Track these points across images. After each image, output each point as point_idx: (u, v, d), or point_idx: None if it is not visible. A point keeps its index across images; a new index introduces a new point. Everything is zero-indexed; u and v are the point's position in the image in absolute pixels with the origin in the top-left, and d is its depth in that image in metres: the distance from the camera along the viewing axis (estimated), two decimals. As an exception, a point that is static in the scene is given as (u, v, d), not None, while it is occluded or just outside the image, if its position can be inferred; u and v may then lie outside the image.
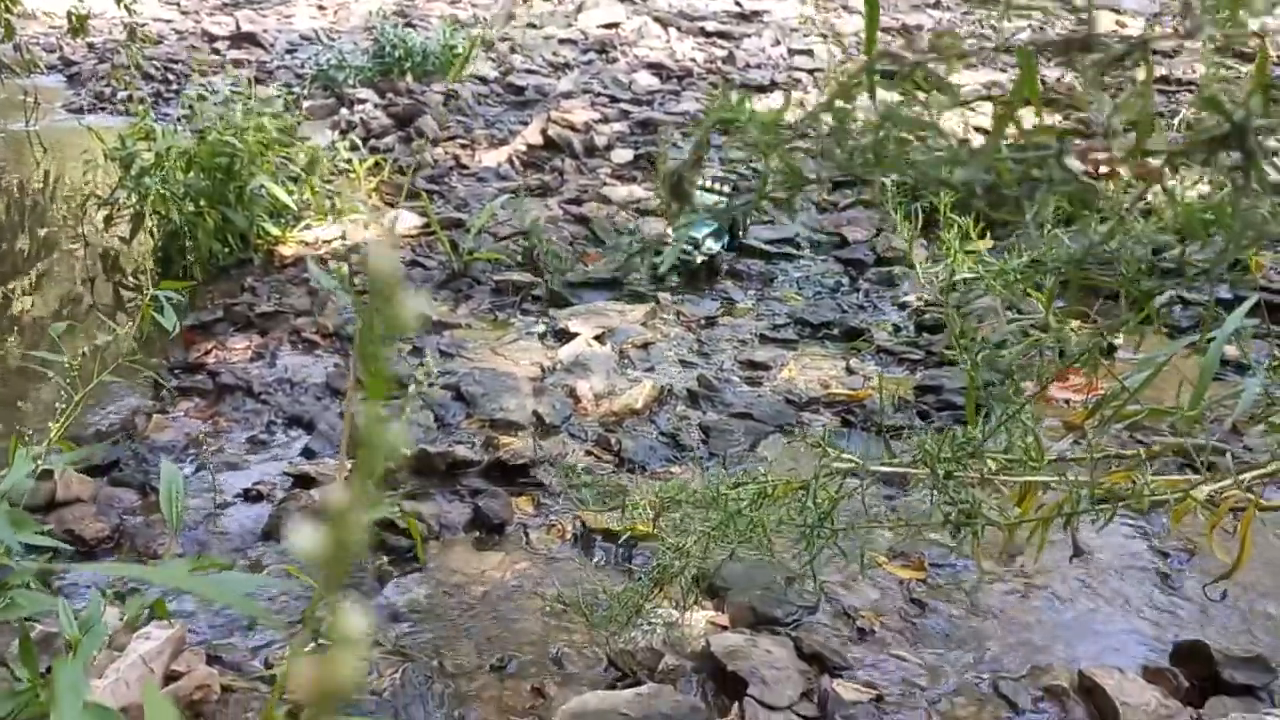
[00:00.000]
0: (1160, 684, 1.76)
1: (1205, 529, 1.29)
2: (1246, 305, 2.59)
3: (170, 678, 1.67)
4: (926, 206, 4.57)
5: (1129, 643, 1.93)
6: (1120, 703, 1.69)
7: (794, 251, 3.78)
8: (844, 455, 1.51)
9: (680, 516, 1.93)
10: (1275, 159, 0.76)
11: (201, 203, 3.64)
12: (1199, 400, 2.61)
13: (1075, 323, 3.29)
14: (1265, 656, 1.80)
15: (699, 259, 3.48)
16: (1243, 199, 0.76)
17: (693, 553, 1.73)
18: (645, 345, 3.05)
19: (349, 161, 4.29)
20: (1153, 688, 1.75)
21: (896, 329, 3.28)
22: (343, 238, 3.90)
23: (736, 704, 1.68)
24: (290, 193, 3.94)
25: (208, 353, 3.12)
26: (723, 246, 3.62)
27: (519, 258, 3.60)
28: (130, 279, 3.73)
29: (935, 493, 1.39)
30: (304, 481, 2.35)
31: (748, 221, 3.77)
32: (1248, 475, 1.32)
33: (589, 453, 2.53)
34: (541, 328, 3.21)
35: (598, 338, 3.08)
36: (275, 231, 3.89)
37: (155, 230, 3.73)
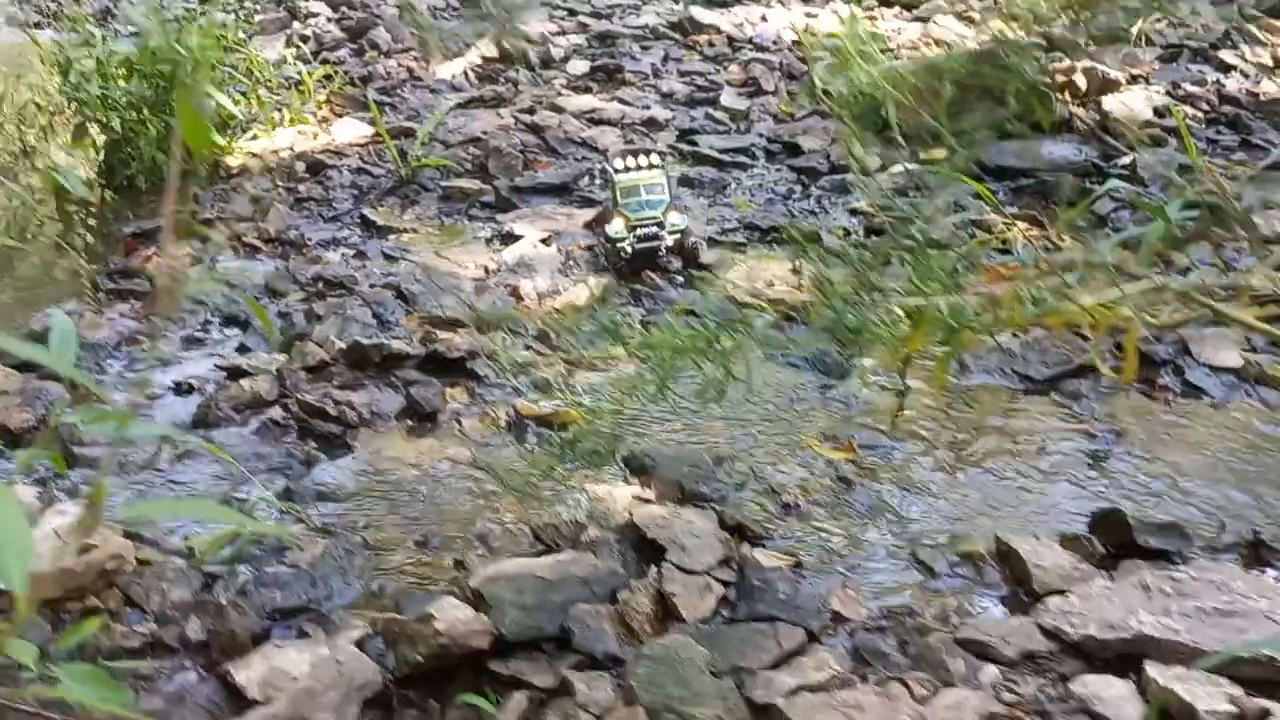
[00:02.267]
0: (1076, 550, 1.78)
1: (1093, 348, 1.29)
2: (1178, 204, 2.58)
3: (85, 550, 1.66)
4: (883, 117, 4.50)
5: (1052, 518, 1.95)
6: (1034, 565, 1.71)
7: (748, 160, 3.75)
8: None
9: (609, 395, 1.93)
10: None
11: (144, 111, 3.56)
12: (1130, 296, 2.60)
13: (1022, 225, 3.29)
14: (1180, 524, 1.82)
15: (667, 241, 2.87)
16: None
17: (609, 414, 1.72)
18: (592, 248, 3.02)
19: (299, 73, 4.20)
20: (1068, 553, 1.77)
21: (846, 232, 3.26)
22: (290, 149, 3.84)
23: (654, 568, 1.68)
24: (237, 103, 3.87)
25: (148, 259, 3.08)
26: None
27: (468, 165, 3.55)
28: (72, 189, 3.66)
29: (830, 316, 1.38)
30: (235, 374, 2.33)
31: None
32: (1133, 288, 1.31)
33: (528, 347, 2.52)
34: (488, 232, 3.18)
35: (544, 240, 3.05)
36: (221, 142, 3.82)
37: (97, 140, 3.65)
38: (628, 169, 2.88)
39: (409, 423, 2.20)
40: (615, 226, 2.84)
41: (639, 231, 2.83)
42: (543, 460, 1.88)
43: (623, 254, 2.82)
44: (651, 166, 2.90)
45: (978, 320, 1.29)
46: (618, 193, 2.85)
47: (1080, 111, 4.11)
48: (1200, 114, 4.10)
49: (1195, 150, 3.28)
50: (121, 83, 3.56)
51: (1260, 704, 1.38)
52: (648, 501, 1.89)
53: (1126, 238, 2.70)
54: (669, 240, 2.88)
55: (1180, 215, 2.21)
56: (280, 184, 3.55)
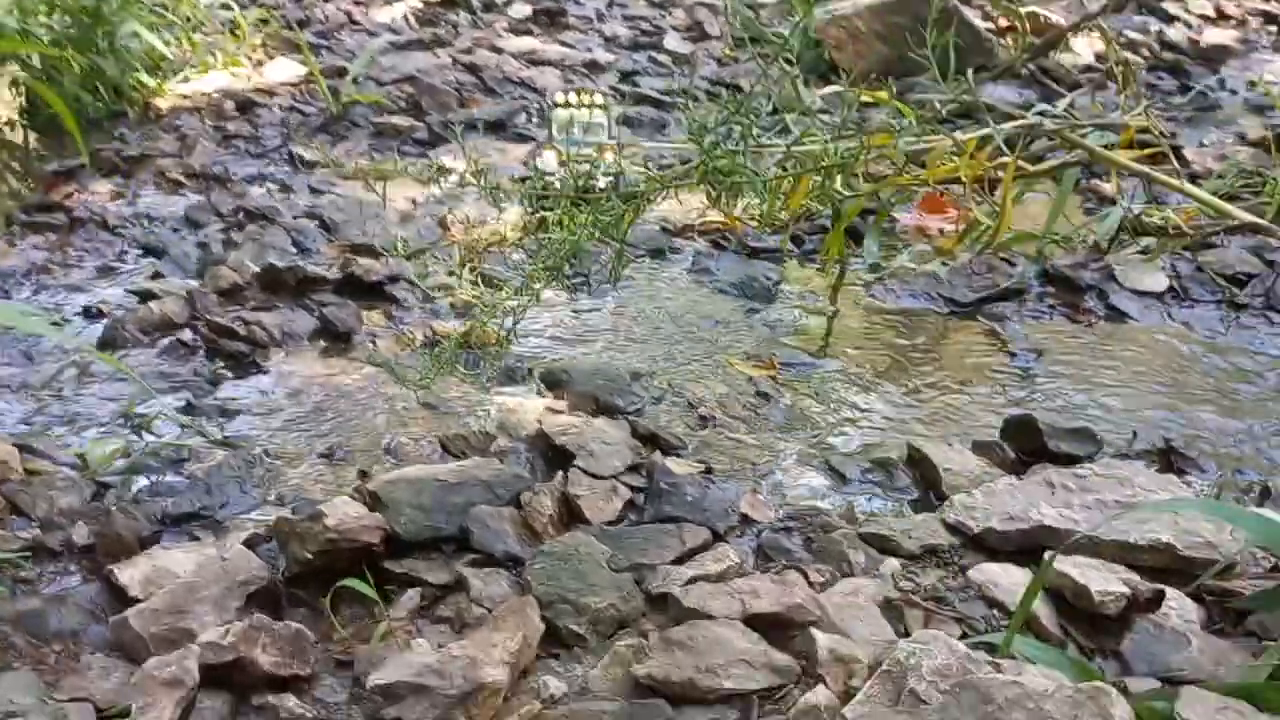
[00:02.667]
0: (987, 456, 1.77)
1: (966, 184, 1.27)
2: (1105, 145, 2.55)
3: (-30, 458, 1.61)
4: (827, 60, 4.45)
5: (968, 430, 1.94)
6: (944, 469, 1.70)
7: (688, 102, 3.70)
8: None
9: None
10: None
11: (67, 48, 3.45)
12: (1055, 217, 2.61)
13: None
14: (1091, 429, 1.81)
15: (599, 183, 2.61)
16: None
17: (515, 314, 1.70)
18: (524, 180, 2.97)
19: (234, 16, 4.10)
20: (979, 459, 1.76)
21: (784, 168, 3.23)
22: (221, 90, 3.75)
23: (561, 473, 1.65)
24: (169, 45, 3.77)
25: (68, 196, 2.99)
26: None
27: (402, 103, 3.48)
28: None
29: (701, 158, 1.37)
30: (146, 297, 2.26)
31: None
32: (1006, 125, 1.30)
33: (451, 273, 2.47)
34: (419, 167, 3.12)
35: (475, 174, 3.00)
36: (151, 83, 3.72)
37: (18, 78, 3.53)
38: (568, 105, 2.77)
39: (322, 343, 2.15)
40: (546, 160, 2.70)
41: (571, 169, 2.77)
42: (445, 361, 1.85)
43: (551, 190, 2.75)
44: (594, 106, 2.79)
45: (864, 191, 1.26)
46: (554, 127, 2.76)
47: (1024, 57, 4.11)
48: (1142, 60, 4.11)
49: (1131, 84, 3.28)
50: (42, 17, 3.46)
51: (1155, 586, 1.38)
52: (559, 413, 1.86)
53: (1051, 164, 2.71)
54: (602, 182, 2.84)
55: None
56: (208, 122, 3.46)
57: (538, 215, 2.28)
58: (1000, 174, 1.42)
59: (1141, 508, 1.42)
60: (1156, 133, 2.38)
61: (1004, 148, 1.31)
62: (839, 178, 1.43)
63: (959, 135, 1.32)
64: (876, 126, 1.57)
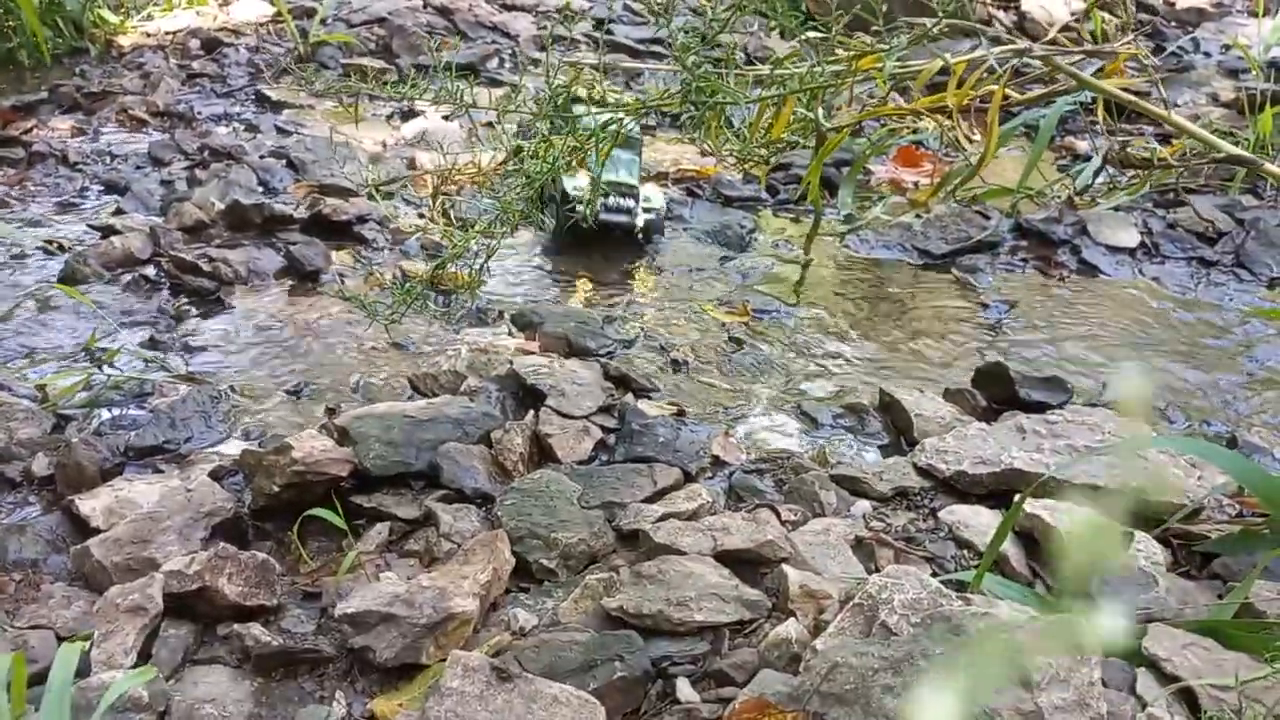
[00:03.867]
0: (958, 403, 1.78)
1: (953, 110, 1.26)
2: (1071, 97, 2.53)
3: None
4: (804, 10, 4.40)
5: (939, 377, 1.94)
6: (915, 415, 1.70)
7: (663, 50, 3.66)
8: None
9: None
10: None
11: (24, -20, 3.34)
12: (1030, 170, 2.60)
13: (937, 116, 3.24)
14: (1062, 378, 1.82)
15: (639, 220, 2.24)
16: None
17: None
18: (491, 124, 2.92)
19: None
20: (950, 405, 1.77)
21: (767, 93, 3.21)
22: (186, 29, 3.66)
23: (532, 412, 1.64)
24: (132, -21, 3.67)
25: (27, 131, 2.91)
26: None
27: (372, 44, 3.41)
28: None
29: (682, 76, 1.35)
30: (108, 232, 2.21)
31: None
32: (996, 50, 1.29)
33: (421, 215, 2.43)
34: (389, 109, 3.06)
35: (446, 117, 2.95)
36: (114, 20, 3.63)
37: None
38: (591, 99, 2.05)
39: (289, 282, 2.12)
40: (578, 182, 2.14)
41: (610, 200, 2.17)
42: (414, 295, 1.82)
43: (579, 218, 2.09)
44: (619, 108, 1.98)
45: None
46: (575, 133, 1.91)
47: (1000, 15, 4.09)
48: (1117, 20, 4.10)
49: (1122, 9, 3.27)
50: (-2, -53, 3.34)
51: (1125, 529, 1.39)
52: (531, 354, 1.83)
53: (1026, 119, 2.70)
54: (641, 220, 2.22)
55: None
56: (173, 60, 3.38)
57: (515, 148, 2.18)
58: (988, 104, 1.41)
59: (1120, 443, 1.42)
60: (1144, 61, 2.38)
61: (995, 66, 1.29)
62: (822, 107, 1.40)
63: (948, 56, 1.30)
64: (863, 50, 1.55)
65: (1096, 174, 2.63)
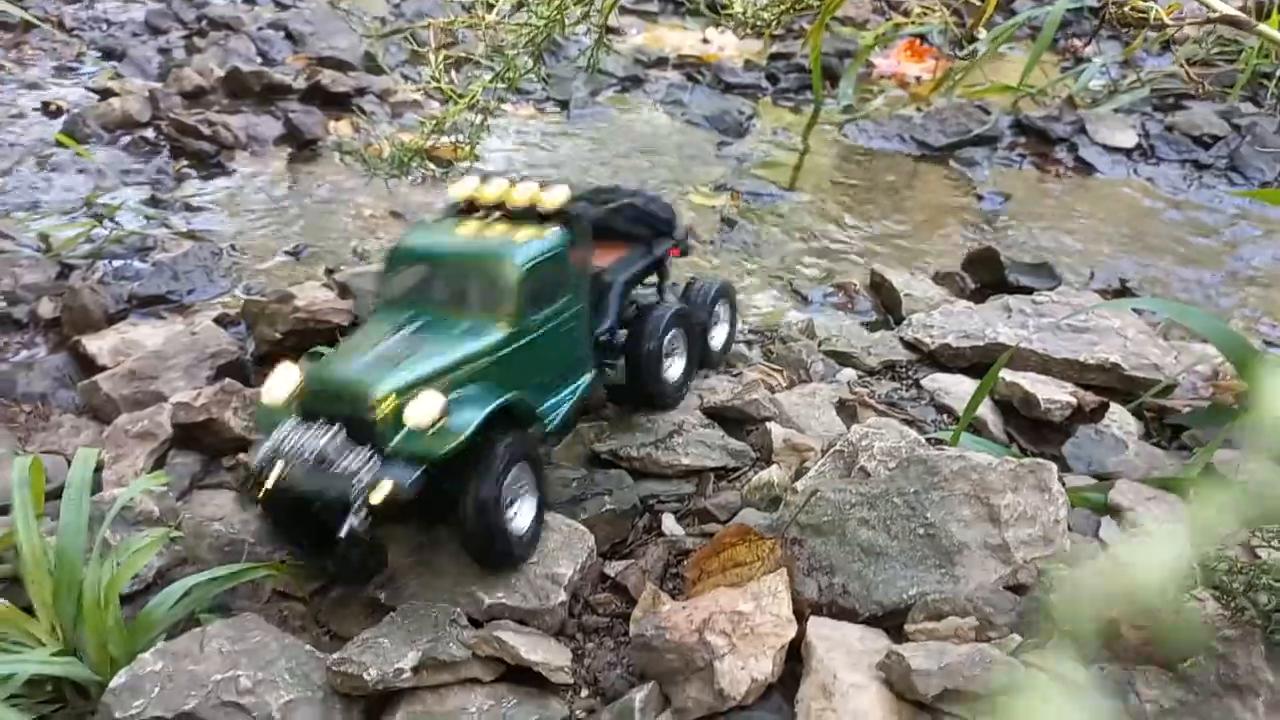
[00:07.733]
0: (948, 285, 1.81)
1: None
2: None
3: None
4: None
5: (931, 261, 1.97)
6: (904, 294, 1.73)
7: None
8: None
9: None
10: None
11: None
12: (1031, 66, 2.59)
13: (944, 12, 3.20)
14: (1050, 264, 1.85)
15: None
16: None
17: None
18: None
19: None
20: (940, 287, 1.80)
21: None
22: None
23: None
24: None
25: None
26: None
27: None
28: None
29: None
30: (106, 95, 2.20)
31: None
32: None
33: (420, 89, 2.42)
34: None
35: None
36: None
37: None
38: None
39: (288, 149, 2.12)
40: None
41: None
42: (413, 152, 1.83)
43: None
44: None
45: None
46: None
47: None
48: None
49: None
50: None
51: (1099, 399, 1.43)
52: (529, 223, 1.85)
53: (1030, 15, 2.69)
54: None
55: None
56: (168, -70, 3.31)
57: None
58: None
59: (1107, 305, 1.46)
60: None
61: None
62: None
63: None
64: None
65: (1093, 65, 2.62)
